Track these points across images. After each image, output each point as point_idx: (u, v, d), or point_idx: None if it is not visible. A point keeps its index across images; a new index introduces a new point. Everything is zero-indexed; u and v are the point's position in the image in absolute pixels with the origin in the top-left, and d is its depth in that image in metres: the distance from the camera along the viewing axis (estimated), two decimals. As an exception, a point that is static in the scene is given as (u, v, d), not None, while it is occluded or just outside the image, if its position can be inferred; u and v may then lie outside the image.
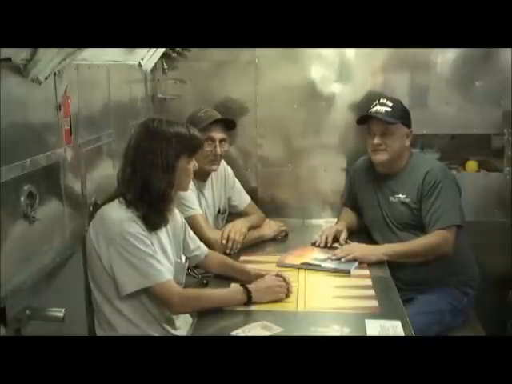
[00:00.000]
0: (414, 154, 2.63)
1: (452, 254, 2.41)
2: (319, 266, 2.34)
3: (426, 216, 2.45)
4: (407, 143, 2.56)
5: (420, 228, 2.49)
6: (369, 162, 2.66)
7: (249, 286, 1.97)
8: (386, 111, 2.50)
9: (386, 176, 2.59)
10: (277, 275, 2.07)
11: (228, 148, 2.70)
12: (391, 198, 2.56)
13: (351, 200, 2.82)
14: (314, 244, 2.59)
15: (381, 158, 2.53)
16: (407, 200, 2.51)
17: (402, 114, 2.54)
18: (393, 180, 2.57)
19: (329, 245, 2.55)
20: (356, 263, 2.34)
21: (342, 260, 2.35)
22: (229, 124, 2.66)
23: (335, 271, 2.29)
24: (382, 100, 2.55)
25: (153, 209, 1.89)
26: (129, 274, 1.83)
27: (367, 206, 2.69)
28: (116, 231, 1.84)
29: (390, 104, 2.52)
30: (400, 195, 2.53)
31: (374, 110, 2.53)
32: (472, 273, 2.61)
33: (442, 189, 2.44)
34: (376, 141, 2.51)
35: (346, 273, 2.27)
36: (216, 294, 2.00)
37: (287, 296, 2.03)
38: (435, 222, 2.42)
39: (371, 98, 2.75)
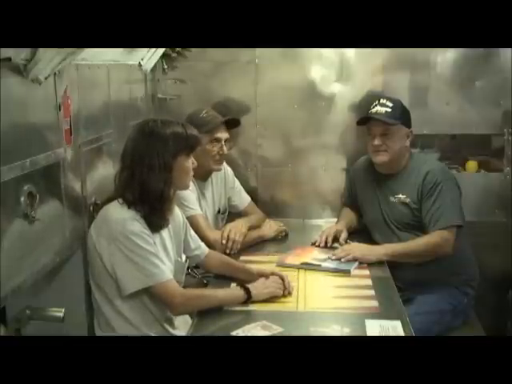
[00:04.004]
0: (414, 154, 2.63)
1: (452, 254, 2.41)
2: (319, 265, 2.34)
3: (426, 216, 2.45)
4: (407, 143, 2.55)
5: (420, 228, 2.49)
6: (369, 161, 2.66)
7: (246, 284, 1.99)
8: (385, 112, 2.50)
9: (386, 176, 2.59)
10: (272, 274, 2.09)
11: (231, 147, 2.70)
12: (391, 198, 2.56)
13: (351, 200, 2.82)
14: (313, 244, 2.59)
15: (381, 158, 2.52)
16: (407, 200, 2.51)
17: (402, 115, 2.53)
18: (393, 180, 2.57)
19: (329, 245, 2.55)
20: (356, 263, 2.34)
21: (342, 260, 2.35)
22: (231, 123, 2.67)
23: (335, 271, 2.29)
24: (381, 100, 2.54)
25: (153, 210, 1.88)
26: (131, 273, 1.83)
27: (367, 206, 2.69)
28: (118, 230, 1.83)
29: (390, 104, 2.52)
30: (400, 195, 2.53)
31: (373, 110, 2.52)
32: (472, 273, 2.61)
33: (442, 189, 2.44)
34: (376, 142, 2.50)
35: (346, 273, 2.27)
36: (216, 293, 2.00)
37: (285, 295, 2.04)
38: (435, 222, 2.42)
39: (371, 98, 2.75)
